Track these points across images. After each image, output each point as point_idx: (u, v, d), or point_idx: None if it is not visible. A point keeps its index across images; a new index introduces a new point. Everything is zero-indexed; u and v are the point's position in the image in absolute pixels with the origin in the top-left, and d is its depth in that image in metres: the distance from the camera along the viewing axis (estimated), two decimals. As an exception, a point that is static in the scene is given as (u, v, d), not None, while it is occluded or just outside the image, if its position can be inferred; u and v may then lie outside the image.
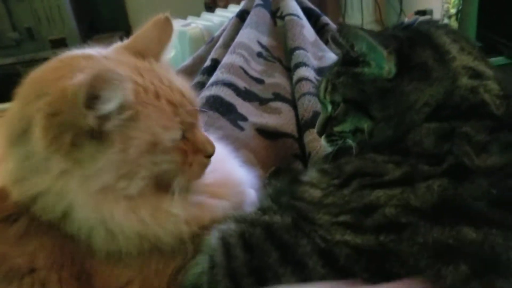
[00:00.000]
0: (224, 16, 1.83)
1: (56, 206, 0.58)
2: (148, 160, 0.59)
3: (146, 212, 0.60)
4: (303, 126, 1.00)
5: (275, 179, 0.80)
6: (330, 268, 0.51)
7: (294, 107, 1.08)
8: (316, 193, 0.60)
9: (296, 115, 1.06)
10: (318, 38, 1.37)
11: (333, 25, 1.49)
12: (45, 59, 0.63)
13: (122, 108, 0.55)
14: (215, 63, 1.24)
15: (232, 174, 0.74)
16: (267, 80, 1.17)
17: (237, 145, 0.88)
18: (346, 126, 0.66)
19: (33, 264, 0.57)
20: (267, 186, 0.72)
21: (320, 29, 1.45)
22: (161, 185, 0.62)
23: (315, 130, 0.77)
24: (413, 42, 0.62)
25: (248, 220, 0.59)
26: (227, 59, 1.18)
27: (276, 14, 1.39)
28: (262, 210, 0.61)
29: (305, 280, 0.51)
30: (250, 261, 0.54)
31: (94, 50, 0.63)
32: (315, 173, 0.63)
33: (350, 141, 0.66)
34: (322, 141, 0.71)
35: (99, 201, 0.57)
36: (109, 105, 0.54)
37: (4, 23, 3.01)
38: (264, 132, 0.99)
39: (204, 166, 0.66)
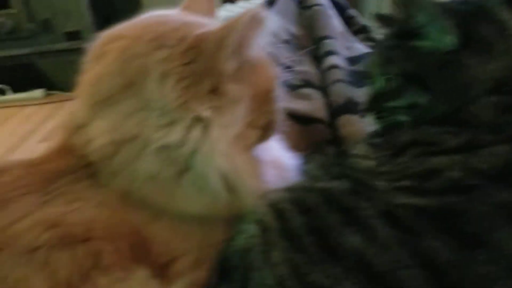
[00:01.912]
0: (246, 7, 1.81)
1: (184, 157, 0.56)
2: (265, 108, 0.62)
3: (255, 171, 0.61)
4: (336, 111, 0.99)
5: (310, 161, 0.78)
6: (396, 228, 0.50)
7: (325, 94, 1.06)
8: (370, 163, 0.59)
9: (328, 102, 1.04)
10: (346, 29, 1.35)
11: (359, 18, 1.47)
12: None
13: (253, 54, 0.57)
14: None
15: (280, 157, 0.74)
16: (296, 67, 1.15)
17: None
18: (401, 101, 0.64)
19: (89, 234, 0.54)
20: (305, 166, 0.70)
21: (346, 21, 1.43)
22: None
23: (350, 115, 0.79)
24: (475, 16, 0.60)
25: (299, 187, 0.57)
26: None
27: (302, 4, 1.38)
28: (313, 178, 0.60)
29: (371, 239, 0.49)
30: (308, 223, 0.53)
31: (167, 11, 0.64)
32: (364, 147, 0.62)
33: (402, 117, 0.64)
34: (369, 118, 0.69)
35: (234, 151, 0.57)
36: (250, 50, 0.56)
37: (21, 14, 3.01)
38: (296, 117, 0.97)
39: (279, 122, 0.69)
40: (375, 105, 0.69)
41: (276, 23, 1.24)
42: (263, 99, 0.61)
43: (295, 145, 0.91)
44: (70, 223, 0.54)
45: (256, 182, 0.62)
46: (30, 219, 0.52)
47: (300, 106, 1.01)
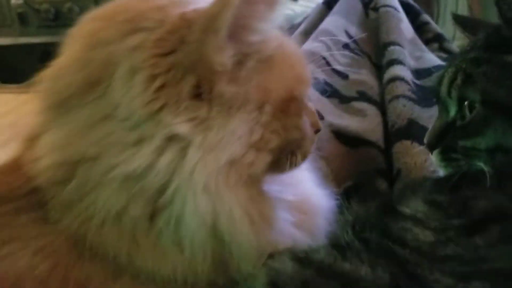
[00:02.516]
0: (308, 6, 1.67)
1: (154, 193, 0.42)
2: (280, 123, 0.46)
3: (259, 217, 0.45)
4: (393, 135, 0.82)
5: (353, 199, 0.60)
6: None
7: (383, 111, 0.91)
8: (426, 236, 0.41)
9: (385, 121, 0.88)
10: (416, 37, 1.19)
11: (434, 25, 1.29)
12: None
13: (263, 43, 0.42)
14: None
15: (310, 196, 0.56)
16: (352, 75, 1.00)
17: None
18: (483, 141, 0.46)
19: None
20: (345, 210, 0.53)
21: (418, 28, 1.26)
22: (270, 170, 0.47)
23: (412, 142, 0.66)
24: None
25: (316, 263, 0.40)
26: (307, 46, 1.03)
27: (370, 5, 1.22)
28: (339, 249, 0.41)
29: None
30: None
31: None
32: (421, 205, 0.45)
33: (481, 164, 0.45)
34: (434, 158, 0.51)
35: (225, 185, 0.42)
36: (256, 36, 0.41)
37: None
38: (342, 137, 0.82)
39: (313, 143, 0.52)
40: (444, 140, 0.51)
41: (333, 23, 1.13)
42: (279, 109, 0.45)
43: (337, 170, 0.77)
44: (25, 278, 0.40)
45: (259, 235, 0.45)
46: None
47: (349, 123, 0.86)
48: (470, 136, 0.48)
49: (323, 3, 1.28)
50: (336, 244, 0.43)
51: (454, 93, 0.49)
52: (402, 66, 0.98)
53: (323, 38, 1.04)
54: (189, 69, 0.40)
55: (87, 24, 0.45)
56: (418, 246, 0.39)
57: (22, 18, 2.13)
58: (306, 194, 0.54)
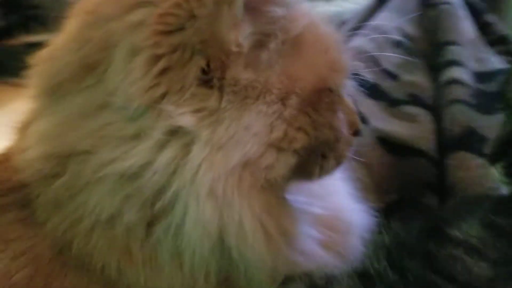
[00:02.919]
0: (358, 3, 1.59)
1: (151, 197, 0.36)
2: (309, 119, 0.39)
3: (277, 230, 0.38)
4: (448, 144, 0.74)
5: (395, 216, 0.52)
6: None
7: (437, 117, 0.83)
8: (482, 269, 0.34)
9: (439, 129, 0.80)
10: (479, 37, 1.10)
11: (499, 26, 1.20)
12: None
13: (289, 24, 0.37)
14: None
15: (343, 211, 0.49)
16: (403, 76, 0.93)
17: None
18: None
19: None
20: (383, 229, 0.45)
21: (482, 28, 1.17)
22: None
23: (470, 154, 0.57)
24: None
25: None
26: (354, 42, 0.95)
27: (428, 1, 1.14)
28: (367, 279, 0.34)
29: None
30: None
31: None
32: (478, 228, 0.37)
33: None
34: (496, 172, 0.43)
35: (236, 190, 0.36)
36: (280, 9, 0.36)
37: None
38: (388, 144, 0.75)
39: (349, 147, 0.45)
40: (509, 153, 0.43)
41: (385, 19, 1.06)
42: (307, 102, 0.38)
43: (380, 181, 0.70)
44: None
45: (275, 252, 0.37)
46: None
47: (398, 128, 0.79)
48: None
49: (376, -2, 1.21)
50: (364, 273, 0.36)
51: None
52: (461, 68, 0.90)
53: (373, 35, 0.98)
54: (197, 49, 0.34)
55: (86, 1, 0.39)
56: (469, 281, 0.31)
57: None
58: (338, 209, 0.47)
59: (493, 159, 0.45)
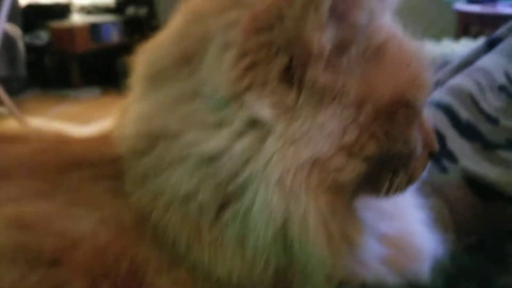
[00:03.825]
0: (469, 46, 1.52)
1: (225, 181, 0.39)
2: (383, 129, 0.39)
3: (337, 233, 0.39)
4: None
5: (472, 258, 0.50)
6: None
7: None
8: None
9: None
10: None
11: None
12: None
13: (372, 32, 0.38)
14: (437, 85, 0.97)
15: (413, 235, 0.48)
16: (504, 121, 0.87)
17: (429, 190, 0.61)
18: None
19: (63, 256, 0.39)
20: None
21: None
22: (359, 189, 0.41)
23: None
24: None
25: None
26: (455, 80, 0.92)
27: None
28: None
29: None
30: None
31: None
32: None
33: None
34: None
35: (300, 181, 0.38)
36: (364, 17, 0.37)
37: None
38: (477, 186, 0.71)
39: (424, 167, 0.44)
40: None
41: (491, 61, 1.01)
42: (383, 112, 0.39)
43: (461, 221, 0.65)
44: (46, 232, 0.38)
45: (335, 255, 0.38)
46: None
47: (490, 172, 0.73)
48: None
49: (485, 42, 1.15)
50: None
51: None
52: None
53: (476, 76, 0.92)
54: (282, 48, 0.36)
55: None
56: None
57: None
58: (408, 232, 0.46)
59: None
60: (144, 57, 0.44)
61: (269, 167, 0.36)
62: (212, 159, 0.38)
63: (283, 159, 0.36)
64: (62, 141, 0.47)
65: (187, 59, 0.40)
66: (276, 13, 0.36)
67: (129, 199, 0.41)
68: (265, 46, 0.37)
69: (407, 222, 0.47)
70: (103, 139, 0.46)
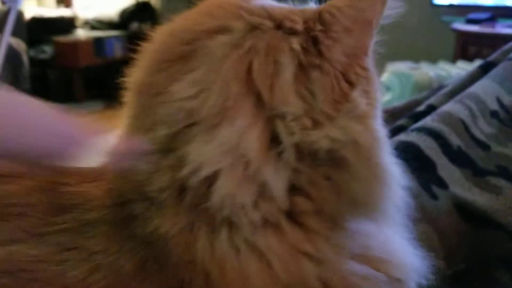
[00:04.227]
0: (465, 69, 1.54)
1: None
2: None
3: None
4: None
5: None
6: None
7: None
8: None
9: None
10: None
11: None
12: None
13: None
14: (431, 110, 0.99)
15: (395, 252, 0.47)
16: (495, 148, 0.89)
17: (418, 217, 0.62)
18: None
19: None
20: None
21: None
22: None
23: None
24: None
25: None
26: (447, 107, 0.93)
27: None
28: None
29: None
30: None
31: None
32: None
33: None
34: None
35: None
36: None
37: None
38: (466, 212, 0.72)
39: None
40: None
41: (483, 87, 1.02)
42: None
43: (449, 249, 0.68)
44: (32, 278, 0.37)
45: None
46: None
47: (479, 199, 0.75)
48: None
49: (480, 66, 1.16)
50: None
51: None
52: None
53: (467, 102, 0.93)
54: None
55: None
56: None
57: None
58: (390, 251, 0.46)
59: None
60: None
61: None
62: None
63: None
64: (57, 179, 0.44)
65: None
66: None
67: (129, 244, 0.39)
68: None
69: (393, 245, 0.47)
70: (102, 174, 0.44)
